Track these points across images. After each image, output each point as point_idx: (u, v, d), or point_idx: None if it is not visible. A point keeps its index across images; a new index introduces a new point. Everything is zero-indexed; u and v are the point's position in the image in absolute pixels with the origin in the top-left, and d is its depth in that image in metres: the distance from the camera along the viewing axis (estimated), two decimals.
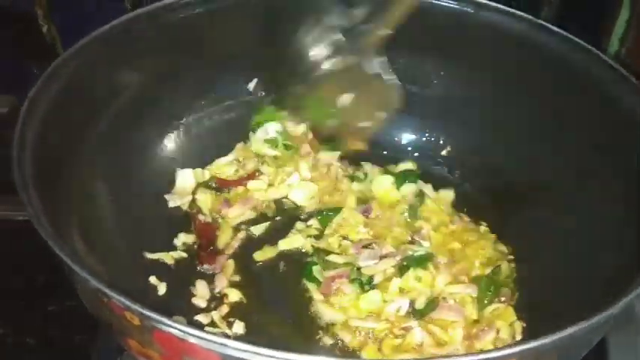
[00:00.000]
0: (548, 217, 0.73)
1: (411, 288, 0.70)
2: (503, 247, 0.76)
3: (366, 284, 0.70)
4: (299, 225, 0.77)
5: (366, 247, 0.74)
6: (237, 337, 0.64)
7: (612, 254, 0.61)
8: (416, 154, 0.86)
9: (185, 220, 0.77)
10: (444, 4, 0.80)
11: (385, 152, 0.86)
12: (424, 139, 0.88)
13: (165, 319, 0.43)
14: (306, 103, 0.81)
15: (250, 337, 0.66)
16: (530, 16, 0.77)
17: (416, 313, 0.68)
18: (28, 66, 0.83)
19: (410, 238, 0.76)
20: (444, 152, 0.86)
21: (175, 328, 0.43)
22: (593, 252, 0.65)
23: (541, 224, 0.74)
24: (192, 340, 0.44)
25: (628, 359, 0.73)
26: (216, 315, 0.67)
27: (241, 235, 0.76)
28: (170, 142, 0.80)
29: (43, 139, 0.60)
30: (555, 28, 0.76)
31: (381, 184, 0.81)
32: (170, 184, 0.79)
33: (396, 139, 0.88)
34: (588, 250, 0.66)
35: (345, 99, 0.79)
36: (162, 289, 0.70)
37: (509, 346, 0.43)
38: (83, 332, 0.73)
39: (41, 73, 0.64)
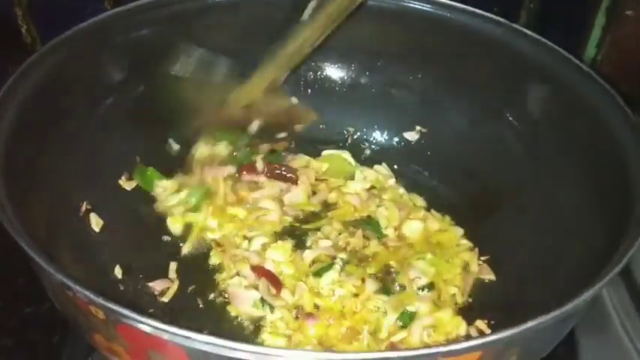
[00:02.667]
0: (520, 219, 0.74)
1: None
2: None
3: None
4: None
5: None
6: None
7: (579, 255, 0.62)
8: (392, 155, 0.87)
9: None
10: (421, 8, 0.81)
11: (362, 152, 0.87)
12: (401, 141, 0.88)
13: (128, 312, 0.43)
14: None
15: None
16: (506, 21, 0.78)
17: None
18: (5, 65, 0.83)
19: None
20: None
21: (138, 321, 0.43)
22: (562, 252, 0.66)
23: (513, 225, 0.75)
24: (156, 332, 0.43)
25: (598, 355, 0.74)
26: None
27: None
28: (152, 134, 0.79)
29: (15, 135, 0.60)
30: (530, 33, 0.76)
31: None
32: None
33: (372, 139, 0.89)
34: (556, 250, 0.67)
35: (254, 126, 0.80)
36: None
37: (466, 339, 0.44)
38: (60, 334, 0.73)
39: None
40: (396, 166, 0.86)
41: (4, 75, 0.64)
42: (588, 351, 0.75)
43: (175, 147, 0.82)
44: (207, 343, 0.42)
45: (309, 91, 0.89)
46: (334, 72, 0.88)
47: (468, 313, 0.70)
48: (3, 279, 0.78)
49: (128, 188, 0.77)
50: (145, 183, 0.78)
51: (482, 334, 0.66)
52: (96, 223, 0.71)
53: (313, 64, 0.87)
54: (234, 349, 0.42)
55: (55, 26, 0.71)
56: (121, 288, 0.69)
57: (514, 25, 0.77)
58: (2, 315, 0.75)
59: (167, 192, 0.77)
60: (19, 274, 0.78)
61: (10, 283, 0.78)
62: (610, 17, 0.98)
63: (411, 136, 0.87)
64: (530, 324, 0.44)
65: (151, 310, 0.68)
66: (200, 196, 0.77)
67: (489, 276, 0.73)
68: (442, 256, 0.74)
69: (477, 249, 0.76)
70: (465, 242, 0.77)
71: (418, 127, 0.87)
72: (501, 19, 0.78)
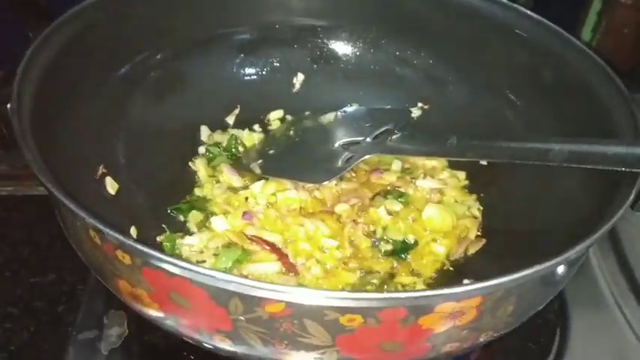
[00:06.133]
0: (514, 193, 0.77)
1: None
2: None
3: None
4: None
5: None
6: None
7: (571, 224, 0.63)
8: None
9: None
10: None
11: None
12: None
13: (154, 252, 0.46)
14: None
15: None
16: (506, 1, 0.81)
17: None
18: (26, 31, 0.85)
19: None
20: None
21: (164, 261, 0.46)
22: (552, 225, 0.68)
23: (508, 198, 0.78)
24: (180, 272, 0.46)
25: (589, 325, 0.77)
26: None
27: None
28: (165, 105, 0.83)
29: (39, 98, 0.62)
30: (529, 12, 0.79)
31: None
32: (160, 148, 0.81)
33: None
34: (548, 223, 0.70)
35: None
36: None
37: (463, 285, 0.47)
38: (65, 303, 0.75)
39: (37, 37, 0.66)
40: None
41: (26, 41, 0.67)
42: (580, 322, 0.78)
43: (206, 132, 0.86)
44: (229, 282, 0.45)
45: (315, 66, 0.92)
46: (340, 49, 0.91)
47: (455, 275, 0.73)
48: (8, 250, 0.81)
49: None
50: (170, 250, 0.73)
51: None
52: (111, 186, 0.73)
53: (319, 40, 0.90)
54: (256, 287, 0.45)
55: None
56: None
57: (514, 5, 0.80)
58: (8, 284, 0.77)
59: (194, 249, 0.73)
60: (24, 245, 0.81)
61: (16, 253, 0.81)
62: (605, 3, 1.02)
63: (414, 112, 0.90)
64: (529, 270, 0.47)
65: None
66: (234, 261, 0.71)
67: (473, 249, 0.76)
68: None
69: (479, 219, 0.79)
70: (475, 210, 0.80)
71: (420, 104, 0.90)
72: (504, 1, 0.80)
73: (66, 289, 0.77)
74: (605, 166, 0.58)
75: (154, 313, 0.54)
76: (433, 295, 0.46)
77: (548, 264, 0.49)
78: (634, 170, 0.56)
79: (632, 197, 0.56)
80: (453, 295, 0.47)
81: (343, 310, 0.47)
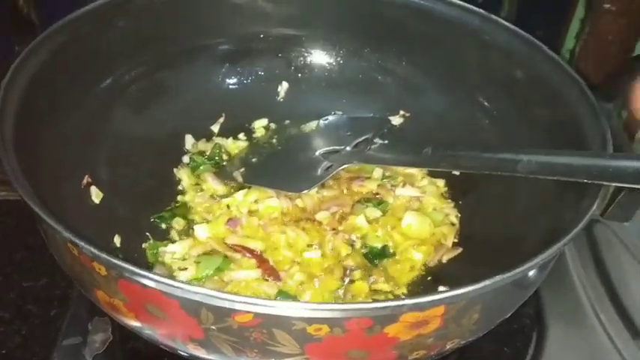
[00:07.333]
0: (491, 198, 0.79)
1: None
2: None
3: None
4: None
5: None
6: None
7: (545, 226, 0.66)
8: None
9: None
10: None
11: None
12: None
13: (127, 266, 0.48)
14: None
15: None
16: (482, 11, 0.82)
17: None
18: (11, 44, 0.87)
19: None
20: None
21: (137, 274, 0.48)
22: (527, 231, 0.70)
23: (484, 204, 0.80)
24: (152, 284, 0.48)
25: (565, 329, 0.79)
26: None
27: None
28: (150, 114, 0.84)
29: (24, 109, 0.63)
30: (504, 22, 0.81)
31: None
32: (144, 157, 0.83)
33: None
34: (522, 229, 0.71)
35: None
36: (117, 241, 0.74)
37: (425, 295, 0.48)
38: (57, 307, 0.76)
39: (22, 50, 0.67)
40: None
41: (13, 54, 0.68)
42: (556, 328, 0.79)
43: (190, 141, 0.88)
44: (198, 293, 0.47)
45: (299, 75, 0.93)
46: (323, 58, 0.93)
47: (431, 282, 0.75)
48: (1, 254, 0.82)
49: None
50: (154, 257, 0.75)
51: None
52: (96, 195, 0.75)
53: (303, 49, 0.92)
54: (223, 298, 0.47)
55: (56, 9, 0.75)
56: (120, 256, 0.73)
57: (491, 16, 0.81)
58: (1, 288, 0.78)
59: (176, 256, 0.74)
60: (17, 249, 0.82)
61: (8, 257, 0.82)
62: (589, 10, 1.03)
63: (396, 120, 0.91)
64: (490, 281, 0.49)
65: None
66: (215, 269, 0.73)
67: (448, 256, 0.77)
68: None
69: (457, 226, 0.81)
70: (453, 217, 0.82)
71: (402, 112, 0.91)
72: (478, 10, 0.82)
73: (58, 292, 0.78)
74: (571, 178, 0.60)
75: (131, 322, 0.56)
76: (396, 306, 0.48)
77: (508, 274, 0.50)
78: (596, 182, 0.58)
79: (594, 207, 0.57)
80: (415, 305, 0.48)
81: (310, 321, 0.48)
